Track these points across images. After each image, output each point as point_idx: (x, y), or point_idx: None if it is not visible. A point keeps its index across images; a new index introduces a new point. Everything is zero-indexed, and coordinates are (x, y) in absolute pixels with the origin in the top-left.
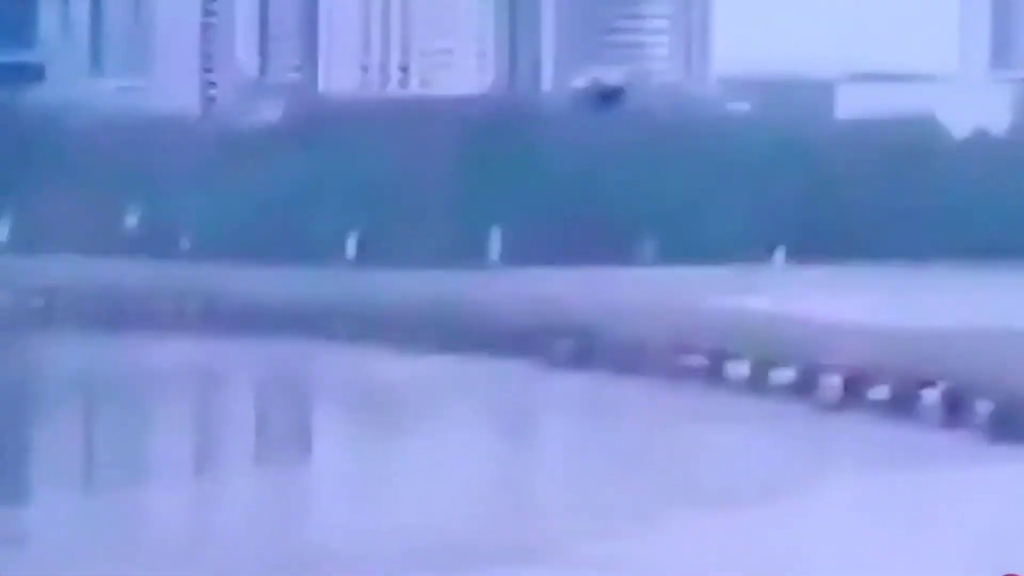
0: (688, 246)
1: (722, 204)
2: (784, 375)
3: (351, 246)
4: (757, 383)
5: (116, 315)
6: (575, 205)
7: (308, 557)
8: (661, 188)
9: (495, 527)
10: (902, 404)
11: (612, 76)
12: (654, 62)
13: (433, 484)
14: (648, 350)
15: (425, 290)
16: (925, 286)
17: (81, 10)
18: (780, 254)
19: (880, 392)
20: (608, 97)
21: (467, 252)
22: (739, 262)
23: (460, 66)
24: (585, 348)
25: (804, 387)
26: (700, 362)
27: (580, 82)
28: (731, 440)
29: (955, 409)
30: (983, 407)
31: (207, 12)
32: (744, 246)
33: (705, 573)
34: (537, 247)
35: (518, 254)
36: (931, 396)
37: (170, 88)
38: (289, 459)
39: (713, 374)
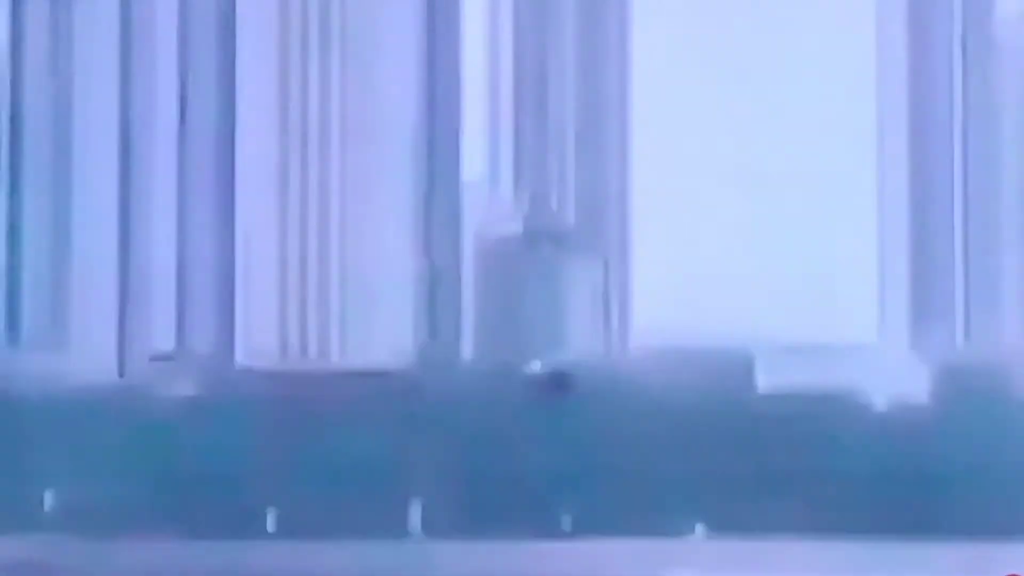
0: (608, 519)
1: (641, 476)
2: None
3: (271, 520)
4: None
5: None
6: (495, 478)
7: None
8: (581, 460)
9: None
10: None
11: (559, 362)
12: (574, 335)
13: None
14: None
15: (346, 563)
16: (848, 562)
17: None
18: (700, 528)
19: None
20: (560, 383)
21: (387, 524)
22: (659, 535)
23: (381, 337)
24: None
25: None
26: None
27: (534, 368)
28: None
29: None
30: None
31: (123, 277)
32: (664, 519)
33: None
34: (457, 519)
35: (439, 526)
36: None
37: (87, 359)
38: None
39: None
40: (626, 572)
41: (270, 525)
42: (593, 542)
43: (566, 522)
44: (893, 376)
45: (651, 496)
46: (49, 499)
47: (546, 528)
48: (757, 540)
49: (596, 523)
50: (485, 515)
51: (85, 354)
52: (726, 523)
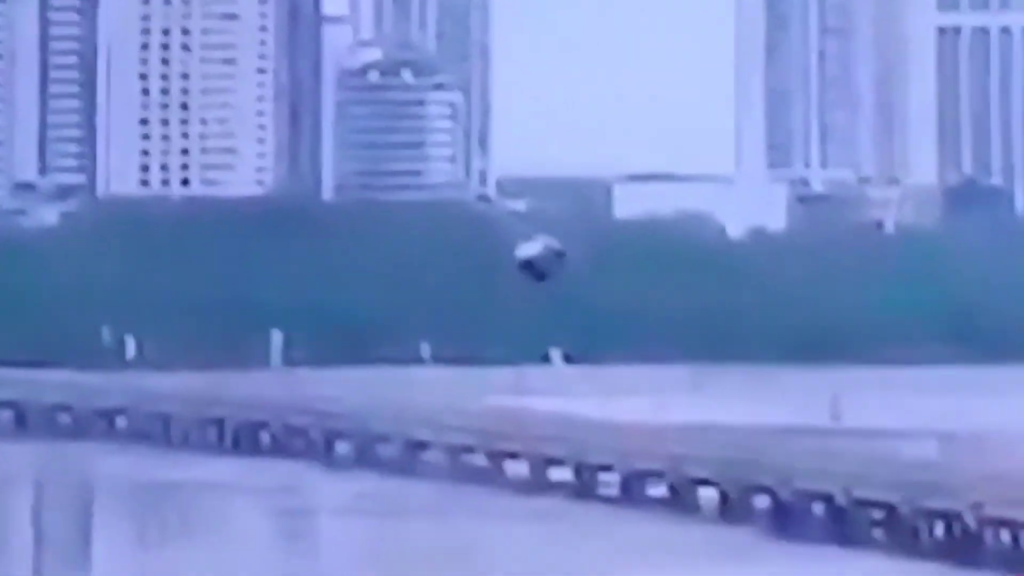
0: (468, 347)
1: (500, 305)
2: (563, 473)
3: (130, 348)
4: (537, 481)
5: None
6: (355, 307)
7: None
8: (440, 290)
9: None
10: (680, 501)
11: (552, 244)
12: (436, 163)
13: None
14: (428, 450)
15: (206, 391)
16: (703, 385)
17: None
18: (558, 356)
19: (658, 489)
20: (536, 271)
21: (248, 353)
22: (518, 364)
23: (242, 167)
24: (365, 449)
25: (583, 485)
26: (480, 462)
27: (522, 252)
28: (512, 538)
29: (734, 506)
30: (761, 503)
31: None
32: (522, 347)
33: None
34: (317, 348)
35: (299, 355)
36: (709, 493)
37: None
38: (70, 564)
39: (493, 473)
40: (485, 398)
41: (129, 352)
42: (451, 369)
43: (425, 351)
44: (750, 204)
45: (510, 325)
46: None
47: (407, 356)
48: (613, 365)
49: (455, 352)
50: (345, 344)
51: None
52: (582, 349)
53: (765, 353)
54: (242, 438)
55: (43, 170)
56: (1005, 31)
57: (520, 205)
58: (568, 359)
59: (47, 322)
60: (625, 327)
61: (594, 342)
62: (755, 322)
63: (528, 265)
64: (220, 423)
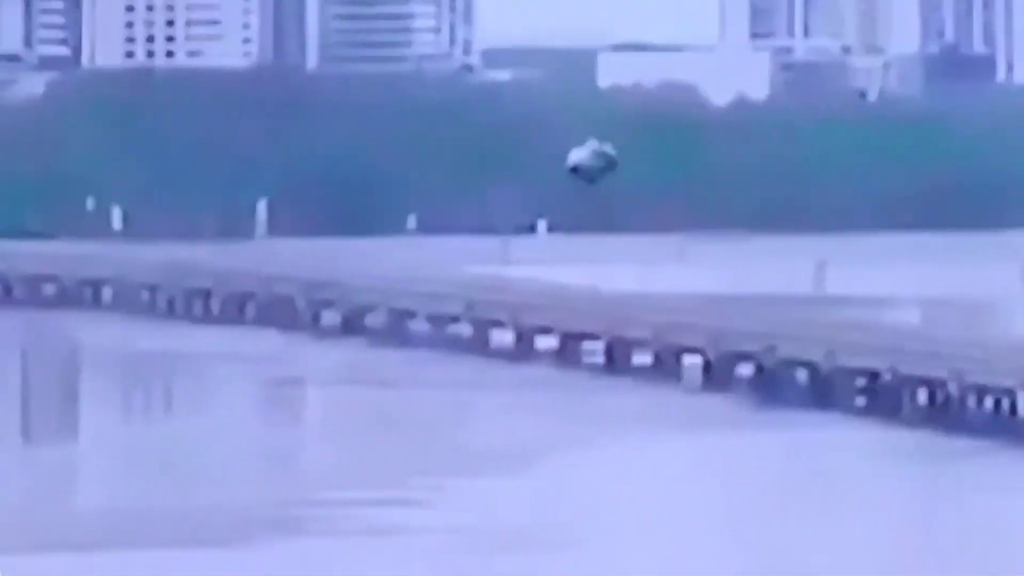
0: (454, 218)
1: (485, 176)
2: (548, 342)
3: (116, 218)
4: (522, 350)
5: None
6: (341, 178)
7: (77, 533)
8: (425, 161)
9: (265, 498)
10: (664, 369)
11: (602, 149)
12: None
13: (202, 455)
14: (415, 319)
15: (192, 262)
16: (687, 254)
17: None
18: (542, 225)
19: (643, 358)
20: (598, 170)
21: (234, 224)
22: (502, 234)
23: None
24: (351, 319)
25: (568, 353)
26: (466, 331)
27: (572, 158)
28: (497, 405)
29: (717, 374)
30: (745, 371)
31: None
32: (508, 218)
33: (475, 537)
34: (303, 219)
35: (285, 226)
36: (693, 361)
37: None
38: (56, 432)
39: (479, 342)
40: (470, 267)
41: (115, 223)
42: (437, 239)
43: (411, 221)
44: (733, 74)
45: (495, 195)
46: None
47: (393, 226)
48: (595, 235)
49: (440, 223)
50: (331, 215)
51: None
52: (567, 220)
53: (748, 222)
54: (228, 308)
55: (28, 42)
56: None
57: (505, 75)
58: (553, 229)
59: (32, 193)
60: (609, 197)
61: (579, 212)
62: (738, 191)
63: (576, 170)
64: (206, 293)
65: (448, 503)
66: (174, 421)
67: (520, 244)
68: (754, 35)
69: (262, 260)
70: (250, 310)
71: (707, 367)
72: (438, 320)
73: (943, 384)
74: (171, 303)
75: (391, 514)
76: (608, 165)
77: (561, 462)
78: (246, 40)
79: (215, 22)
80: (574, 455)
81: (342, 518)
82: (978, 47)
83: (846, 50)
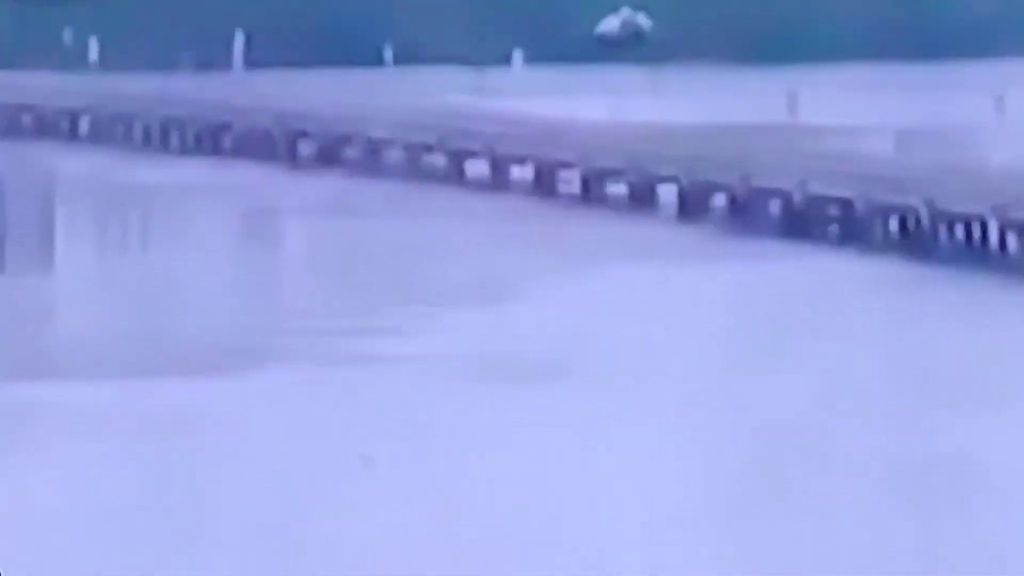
0: (427, 49)
1: (462, 7)
2: (523, 172)
3: (93, 50)
4: (497, 180)
5: None
6: (318, 8)
7: (60, 363)
8: None
9: (247, 329)
10: (639, 199)
11: (633, 19)
12: None
13: (181, 286)
14: (390, 150)
15: (169, 93)
16: (661, 85)
17: None
18: (518, 56)
19: (618, 188)
20: (640, 36)
21: (211, 55)
22: (478, 65)
23: None
24: (327, 149)
25: (543, 183)
26: (440, 161)
27: (600, 27)
28: (473, 234)
29: (691, 204)
30: (719, 202)
31: None
32: (482, 50)
33: (455, 365)
34: (280, 51)
35: (262, 57)
36: (668, 191)
37: None
38: (32, 264)
39: (453, 173)
40: (445, 97)
41: (92, 54)
42: (413, 69)
43: (387, 52)
44: None
45: (471, 26)
46: None
47: (370, 58)
48: (571, 66)
49: (416, 54)
50: (308, 46)
51: None
52: (543, 51)
53: (722, 53)
54: (204, 139)
55: None
56: None
57: None
58: (529, 60)
59: (8, 25)
60: (584, 29)
61: (555, 44)
62: (711, 21)
63: (605, 39)
64: (182, 124)
65: (427, 332)
66: (151, 251)
67: (495, 75)
68: None
69: (239, 92)
70: (226, 141)
71: (682, 197)
72: (413, 150)
73: (915, 212)
74: (147, 134)
75: (371, 343)
76: (638, 35)
77: (539, 292)
78: None
79: None
80: (551, 285)
81: (322, 347)
82: None
83: None
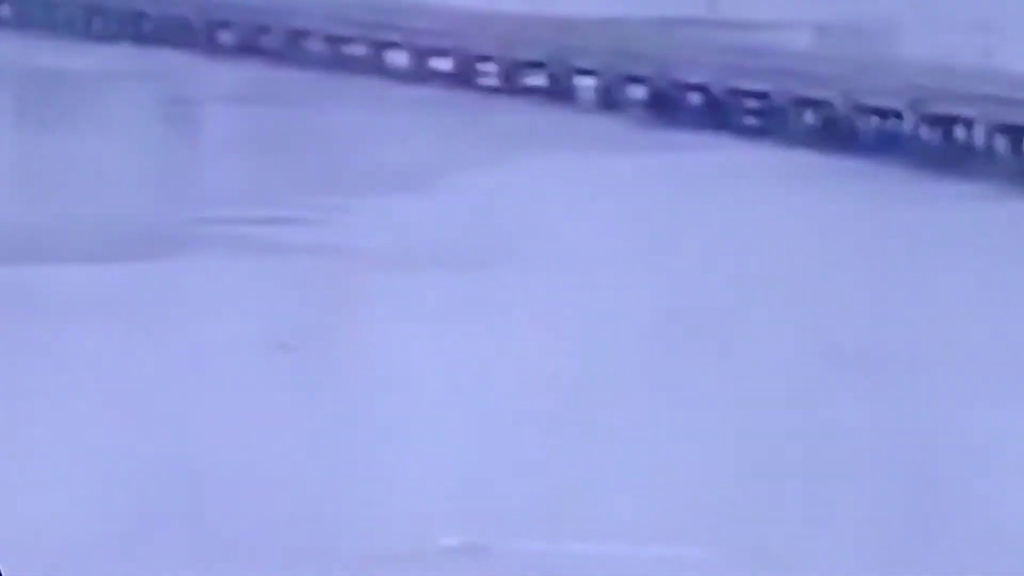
0: None
1: None
2: (442, 63)
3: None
4: (417, 71)
5: None
6: None
7: None
8: None
9: (162, 216)
10: (559, 90)
11: None
12: None
13: (100, 173)
14: (310, 40)
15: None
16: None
17: None
18: None
19: (538, 80)
20: None
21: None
22: None
23: None
24: (248, 38)
25: (462, 75)
26: (361, 51)
27: None
28: (394, 124)
29: (611, 96)
30: (638, 94)
31: None
32: None
33: (367, 253)
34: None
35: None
36: (587, 83)
37: None
38: None
39: (373, 63)
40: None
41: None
42: None
43: None
44: None
45: None
46: None
47: None
48: None
49: None
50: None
51: None
52: None
53: None
54: (125, 27)
55: None
56: None
57: None
58: None
59: None
60: None
61: None
62: None
63: None
64: (103, 11)
65: (344, 221)
66: (71, 138)
67: None
68: None
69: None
70: (147, 28)
71: (600, 89)
72: (333, 41)
73: (832, 105)
74: (70, 20)
75: (287, 232)
76: None
77: (460, 181)
78: None
79: None
80: (472, 174)
81: (237, 236)
82: None
83: None
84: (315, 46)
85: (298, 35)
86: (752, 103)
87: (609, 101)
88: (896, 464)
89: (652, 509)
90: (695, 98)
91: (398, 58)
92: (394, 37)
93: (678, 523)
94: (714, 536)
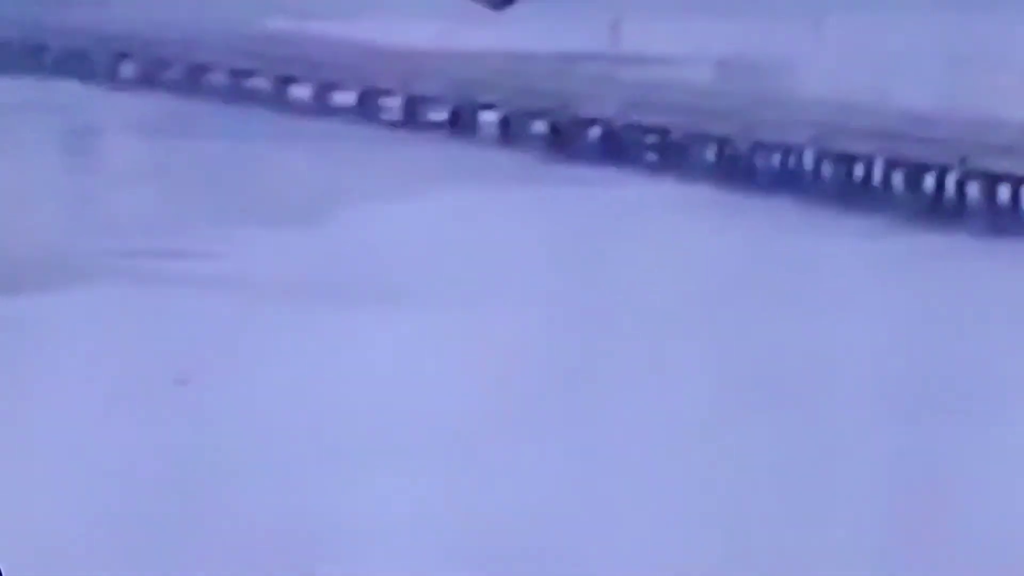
0: None
1: None
2: (345, 97)
3: None
4: (319, 105)
5: None
6: None
7: None
8: None
9: (62, 247)
10: (461, 125)
11: None
12: None
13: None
14: (213, 72)
15: None
16: (485, 12)
17: None
18: None
19: (440, 114)
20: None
21: None
22: None
23: None
24: (149, 69)
25: (365, 108)
26: (263, 84)
27: None
28: (295, 156)
29: (513, 131)
30: (539, 128)
31: None
32: None
33: (265, 285)
34: None
35: None
36: (489, 117)
37: None
38: None
39: (276, 96)
40: (266, 20)
41: None
42: None
43: None
44: None
45: None
46: None
47: None
48: None
49: None
50: None
51: None
52: None
53: None
54: (26, 58)
55: None
56: None
57: None
58: None
59: None
60: None
61: None
62: None
63: None
64: (5, 44)
65: (243, 254)
66: None
67: None
68: None
69: (61, 12)
70: (47, 60)
71: (503, 123)
72: (236, 74)
73: (732, 141)
74: None
75: (186, 264)
76: None
77: (356, 215)
78: None
79: None
80: (373, 207)
81: (136, 267)
82: None
83: None
84: (217, 79)
85: (200, 68)
86: (652, 138)
87: (511, 136)
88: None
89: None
90: (596, 133)
91: (301, 91)
92: (296, 71)
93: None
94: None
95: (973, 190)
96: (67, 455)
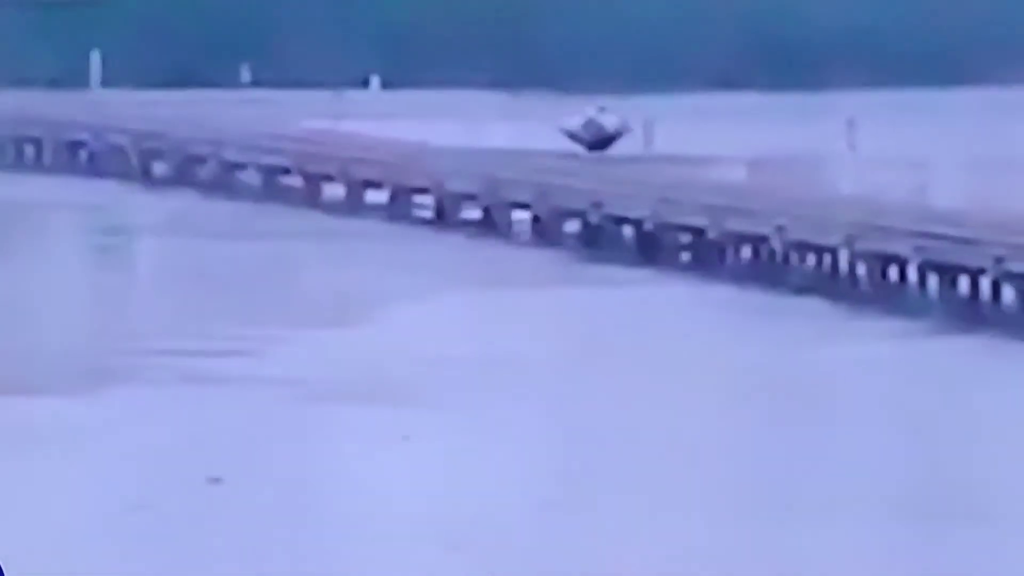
0: (287, 71)
1: (319, 29)
2: (378, 196)
3: None
4: (352, 203)
5: None
6: (174, 27)
7: None
8: (259, 12)
9: (97, 348)
10: (493, 224)
11: (609, 119)
12: None
13: (33, 303)
14: (245, 171)
15: (24, 110)
16: (516, 111)
17: None
18: (375, 81)
19: (473, 212)
20: (607, 140)
21: (68, 74)
22: (335, 88)
23: None
24: (182, 169)
25: (398, 207)
26: (297, 183)
27: (572, 123)
28: (328, 258)
29: (545, 230)
30: (572, 228)
31: None
32: (340, 73)
33: (310, 387)
34: (137, 70)
35: (118, 77)
36: (522, 216)
37: None
38: None
39: (309, 195)
40: (301, 120)
41: None
42: (270, 91)
43: (244, 74)
44: None
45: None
46: None
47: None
48: (428, 90)
49: (274, 76)
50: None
51: None
52: (400, 75)
53: (575, 81)
54: (59, 157)
55: None
56: None
57: None
58: (387, 85)
59: None
60: (441, 52)
61: (412, 67)
62: (564, 49)
63: (572, 136)
64: (38, 142)
65: (278, 354)
66: (6, 268)
67: (352, 98)
68: None
69: (95, 110)
70: (81, 160)
71: (536, 223)
72: (269, 172)
73: (766, 241)
74: (2, 151)
75: (221, 364)
76: (606, 136)
77: (391, 315)
78: None
79: None
80: (407, 308)
81: (171, 368)
82: None
83: None
84: (250, 177)
85: (232, 166)
86: (685, 238)
87: (544, 236)
88: None
89: None
90: (630, 232)
91: (334, 190)
92: (329, 169)
93: None
94: None
95: (1008, 293)
96: (96, 557)
